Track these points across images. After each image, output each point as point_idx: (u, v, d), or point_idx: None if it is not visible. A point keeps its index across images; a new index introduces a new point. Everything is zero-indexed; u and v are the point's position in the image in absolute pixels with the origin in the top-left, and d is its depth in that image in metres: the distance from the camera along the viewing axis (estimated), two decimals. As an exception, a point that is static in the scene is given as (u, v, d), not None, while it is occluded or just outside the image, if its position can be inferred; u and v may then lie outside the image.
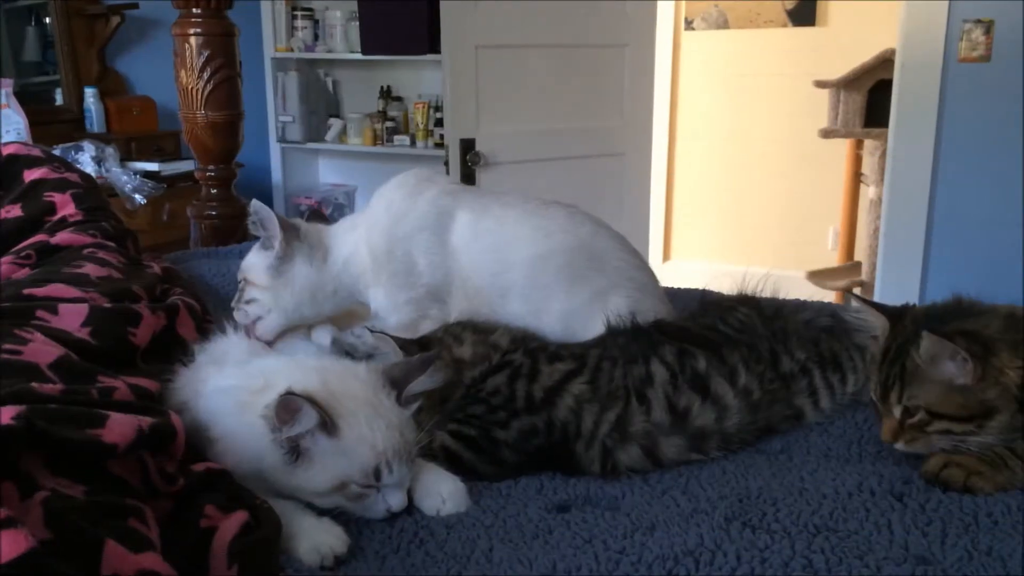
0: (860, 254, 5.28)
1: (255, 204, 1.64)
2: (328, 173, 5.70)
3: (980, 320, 1.29)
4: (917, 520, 1.14)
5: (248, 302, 1.68)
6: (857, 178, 5.30)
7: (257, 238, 1.70)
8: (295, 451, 1.16)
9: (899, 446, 1.31)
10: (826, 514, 1.17)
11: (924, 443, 1.29)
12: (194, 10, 2.51)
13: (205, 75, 2.53)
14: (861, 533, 1.12)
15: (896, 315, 1.38)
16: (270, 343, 1.66)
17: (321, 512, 1.17)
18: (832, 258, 5.60)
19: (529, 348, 1.43)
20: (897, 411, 1.31)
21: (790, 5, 5.71)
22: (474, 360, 1.42)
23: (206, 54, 2.52)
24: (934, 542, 1.09)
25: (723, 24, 5.93)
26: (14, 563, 0.76)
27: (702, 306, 1.65)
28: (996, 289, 1.43)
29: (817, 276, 5.10)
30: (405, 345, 1.41)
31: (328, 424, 1.15)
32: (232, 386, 1.26)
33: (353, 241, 1.66)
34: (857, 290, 4.97)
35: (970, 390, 1.24)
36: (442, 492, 1.23)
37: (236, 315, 1.67)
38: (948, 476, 1.23)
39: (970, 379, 1.24)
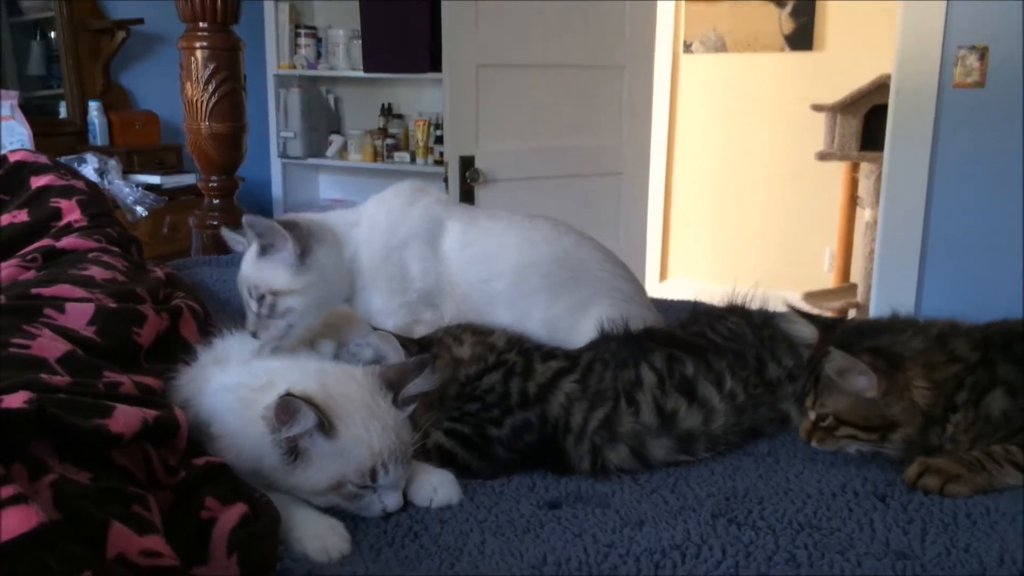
0: (856, 276, 5.32)
1: (248, 219, 1.62)
2: (328, 188, 5.74)
3: (899, 337, 1.37)
4: (898, 519, 1.18)
5: (283, 314, 1.63)
6: (853, 201, 5.34)
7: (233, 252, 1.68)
8: (293, 451, 1.19)
9: (813, 444, 1.40)
10: (810, 512, 1.20)
11: (832, 444, 1.38)
12: (201, 24, 2.56)
13: (210, 87, 2.57)
14: (843, 530, 1.16)
15: (827, 326, 1.47)
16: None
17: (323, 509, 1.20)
18: (828, 280, 5.64)
19: (524, 348, 1.48)
20: (812, 415, 1.40)
21: (788, 30, 5.78)
22: (471, 360, 1.46)
23: (211, 67, 2.56)
24: (914, 539, 1.13)
25: (721, 48, 5.99)
26: (25, 536, 0.79)
27: (693, 315, 1.69)
28: (990, 312, 1.48)
29: (813, 297, 5.13)
30: (406, 344, 1.45)
31: (326, 425, 1.17)
32: (235, 383, 1.29)
33: (356, 239, 1.69)
34: (852, 312, 5.02)
35: (875, 403, 1.32)
36: (433, 482, 1.27)
37: (266, 334, 1.60)
38: (924, 484, 1.28)
39: (876, 393, 1.31)
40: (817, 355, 1.40)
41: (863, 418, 1.34)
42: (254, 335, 1.60)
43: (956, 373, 1.32)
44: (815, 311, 4.51)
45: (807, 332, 1.49)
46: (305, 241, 1.63)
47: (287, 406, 1.16)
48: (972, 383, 1.31)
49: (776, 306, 1.79)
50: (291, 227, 1.62)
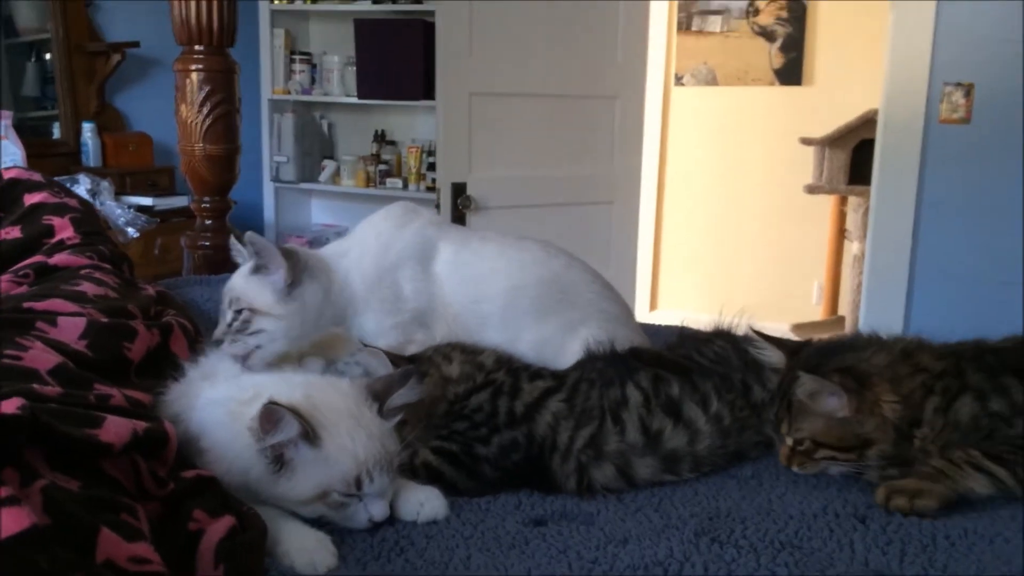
0: (844, 309, 5.36)
1: (251, 235, 1.64)
2: (320, 213, 5.77)
3: (862, 354, 1.39)
4: (878, 540, 1.20)
5: (253, 333, 1.63)
6: (841, 234, 5.39)
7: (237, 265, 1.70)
8: (279, 460, 1.19)
9: (795, 469, 1.42)
10: (791, 532, 1.22)
11: (813, 467, 1.40)
12: (196, 47, 2.58)
13: (205, 109, 2.59)
14: (824, 550, 1.17)
15: (793, 350, 1.49)
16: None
17: (311, 523, 1.20)
18: (816, 312, 5.68)
19: (512, 368, 1.49)
20: (789, 440, 1.42)
21: (777, 64, 5.85)
22: (460, 378, 1.47)
23: (207, 89, 2.58)
24: (893, 560, 1.14)
25: (712, 81, 6.06)
26: (18, 537, 0.80)
27: (680, 339, 1.71)
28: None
29: (801, 329, 5.17)
30: (396, 360, 1.46)
31: (310, 434, 1.18)
32: (223, 397, 1.31)
33: (345, 267, 1.70)
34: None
35: (849, 422, 1.34)
36: (420, 498, 1.28)
37: (231, 347, 1.61)
38: (895, 507, 1.30)
39: (848, 412, 1.34)
40: (786, 380, 1.42)
41: (838, 439, 1.35)
42: (218, 344, 1.61)
43: (923, 382, 1.34)
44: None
45: (774, 357, 1.50)
46: (298, 273, 1.64)
47: (271, 414, 1.17)
48: (942, 388, 1.34)
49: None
50: (289, 255, 1.63)
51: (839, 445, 1.36)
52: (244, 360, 1.61)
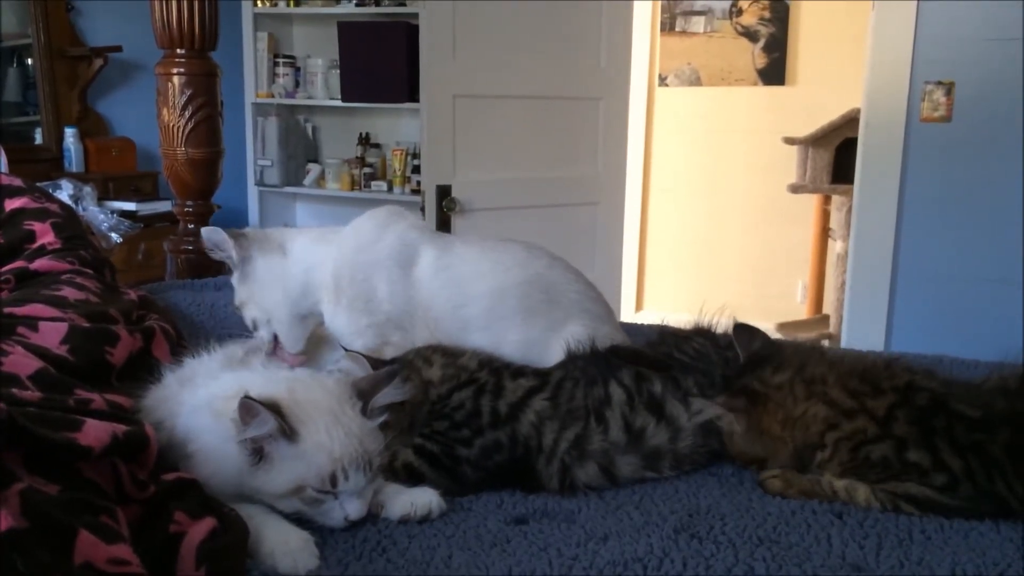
0: (828, 307, 5.38)
1: (205, 230, 1.70)
2: (305, 217, 5.76)
3: (763, 372, 1.44)
4: (855, 534, 1.21)
5: (253, 326, 1.73)
6: (825, 233, 5.41)
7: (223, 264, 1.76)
8: (258, 453, 1.20)
9: None
10: (770, 528, 1.23)
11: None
12: (178, 50, 2.58)
13: (187, 113, 2.59)
14: (801, 545, 1.19)
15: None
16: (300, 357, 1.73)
17: (295, 522, 1.21)
18: (801, 311, 5.70)
19: (494, 367, 1.49)
20: None
21: (761, 64, 5.87)
22: (442, 381, 1.47)
23: (188, 93, 2.58)
24: (869, 553, 1.16)
25: (696, 81, 6.08)
26: (-5, 539, 0.80)
27: (660, 336, 1.72)
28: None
29: (786, 328, 5.18)
30: (376, 364, 1.46)
31: (286, 429, 1.19)
32: (208, 397, 1.31)
33: (321, 252, 1.72)
34: (825, 343, 5.06)
35: (744, 439, 1.41)
36: (411, 498, 1.28)
37: (264, 351, 1.70)
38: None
39: (740, 429, 1.41)
40: None
41: (739, 452, 1.41)
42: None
43: (826, 417, 1.34)
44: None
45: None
46: (247, 249, 1.71)
47: (247, 408, 1.18)
48: (851, 429, 1.32)
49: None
50: (237, 236, 1.70)
51: (741, 458, 1.41)
52: (275, 355, 1.70)
